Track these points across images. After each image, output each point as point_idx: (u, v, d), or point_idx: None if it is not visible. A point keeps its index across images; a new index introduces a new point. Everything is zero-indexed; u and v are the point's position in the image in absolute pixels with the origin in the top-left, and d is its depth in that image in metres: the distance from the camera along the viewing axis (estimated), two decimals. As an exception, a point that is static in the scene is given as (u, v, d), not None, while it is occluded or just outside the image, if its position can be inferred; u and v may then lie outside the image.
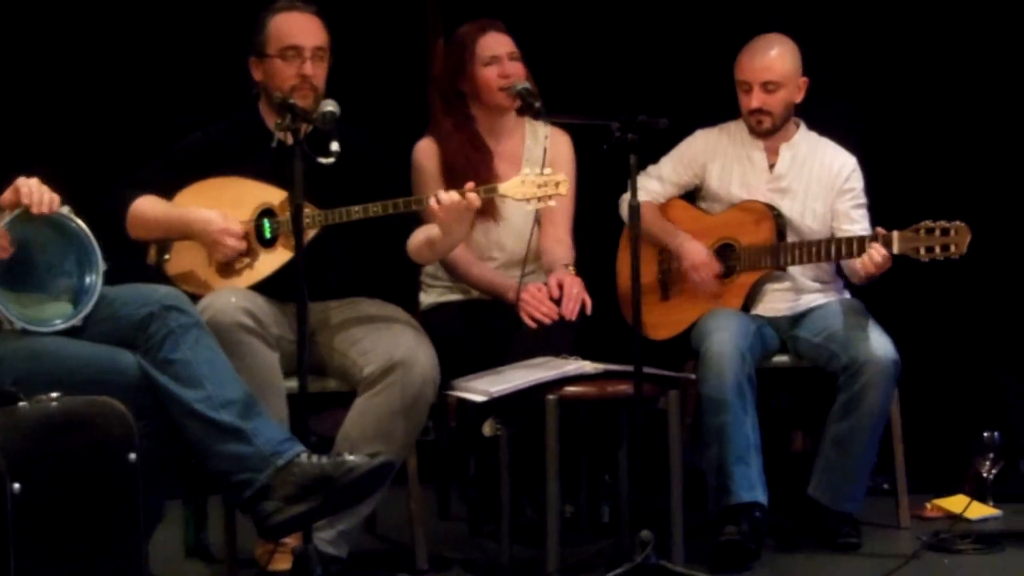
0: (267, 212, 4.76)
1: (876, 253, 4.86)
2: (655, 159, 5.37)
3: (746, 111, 5.22)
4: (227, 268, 4.76)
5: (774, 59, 5.16)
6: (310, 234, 4.57)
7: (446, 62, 5.32)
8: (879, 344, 4.95)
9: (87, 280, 4.27)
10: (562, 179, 4.61)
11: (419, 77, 6.36)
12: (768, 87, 5.15)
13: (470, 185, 4.61)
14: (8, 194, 4.17)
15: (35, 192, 4.15)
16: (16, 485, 3.42)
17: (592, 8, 6.27)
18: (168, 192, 4.82)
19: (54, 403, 3.72)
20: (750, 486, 4.88)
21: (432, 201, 4.58)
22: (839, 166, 5.24)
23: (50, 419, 3.67)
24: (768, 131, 5.22)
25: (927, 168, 6.05)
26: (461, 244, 5.09)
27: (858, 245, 4.93)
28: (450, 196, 4.57)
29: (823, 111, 5.33)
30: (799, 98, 5.22)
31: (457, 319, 5.17)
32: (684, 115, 5.18)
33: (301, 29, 4.80)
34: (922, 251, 4.83)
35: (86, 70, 5.99)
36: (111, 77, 6.02)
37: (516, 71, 5.15)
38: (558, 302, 4.93)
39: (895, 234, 4.86)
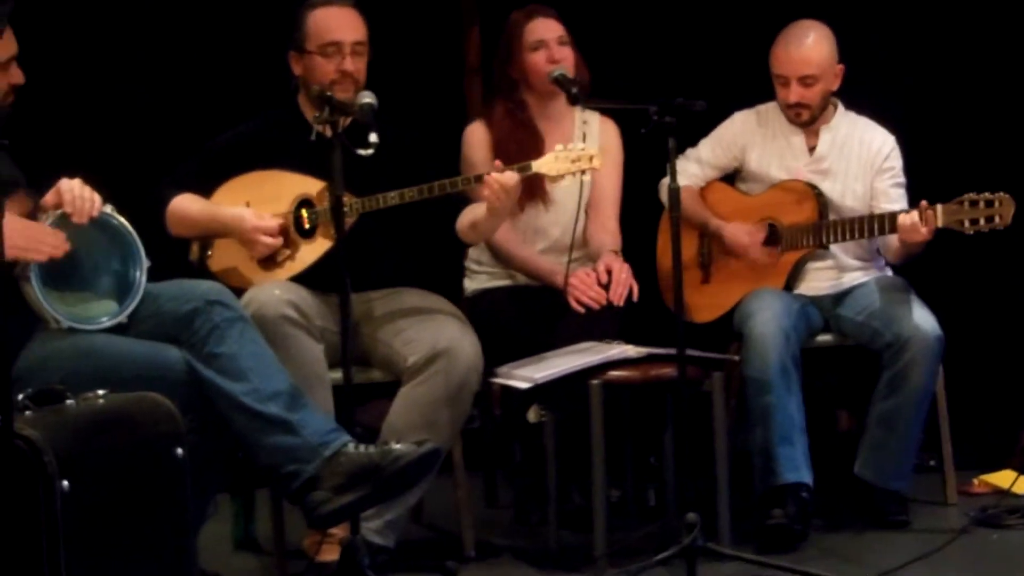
0: (305, 203, 4.78)
1: (906, 219, 4.84)
2: (694, 142, 5.36)
3: (784, 104, 5.20)
4: (268, 261, 4.78)
5: (810, 52, 5.12)
6: (349, 223, 4.57)
7: (498, 49, 5.32)
8: (923, 320, 4.94)
9: (131, 277, 4.29)
10: (595, 153, 4.61)
11: (455, 66, 6.37)
12: (806, 81, 5.12)
13: (498, 164, 4.62)
14: (51, 196, 4.19)
15: (77, 198, 4.16)
16: (65, 483, 3.43)
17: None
18: (207, 189, 4.84)
19: (101, 400, 3.74)
20: (795, 467, 4.88)
21: (488, 179, 4.57)
22: (879, 145, 5.22)
23: (97, 416, 3.69)
24: (807, 123, 5.20)
25: (966, 143, 6.01)
26: (508, 229, 5.12)
27: (893, 221, 4.92)
28: (507, 176, 4.56)
29: (861, 88, 5.30)
30: (836, 86, 5.20)
31: (502, 305, 5.17)
32: (721, 97, 5.16)
33: (340, 24, 4.81)
34: (967, 223, 4.81)
35: (128, 68, 6.01)
36: (151, 75, 6.03)
37: (564, 56, 5.15)
38: (606, 287, 4.94)
39: (939, 207, 4.83)
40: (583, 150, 4.61)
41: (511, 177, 4.59)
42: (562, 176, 4.62)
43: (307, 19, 4.84)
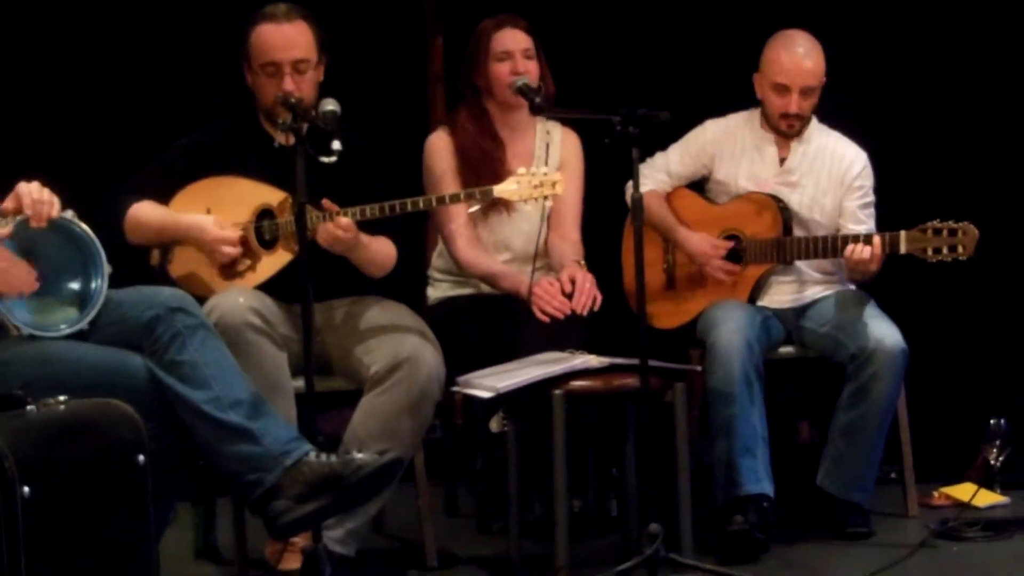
0: (266, 213, 4.76)
1: (859, 249, 4.87)
2: (663, 148, 5.36)
3: (778, 113, 5.18)
4: (229, 270, 4.76)
5: (815, 64, 5.13)
6: (311, 234, 4.54)
7: (465, 55, 5.31)
8: (887, 333, 4.95)
9: (93, 284, 4.26)
10: (558, 179, 4.61)
11: (418, 74, 6.36)
12: (806, 92, 5.13)
13: (326, 203, 4.55)
14: (9, 201, 4.16)
15: (35, 201, 4.13)
16: (26, 488, 3.41)
17: (593, 3, 6.27)
18: (165, 196, 4.82)
19: (62, 406, 3.72)
20: (757, 478, 4.89)
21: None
22: (850, 161, 5.23)
23: (59, 422, 3.67)
24: (798, 133, 5.21)
25: (936, 164, 6.04)
26: (471, 239, 5.12)
27: (864, 242, 4.93)
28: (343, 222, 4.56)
29: (835, 105, 5.31)
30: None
31: (465, 314, 5.17)
32: (688, 107, 5.17)
33: (278, 44, 4.74)
34: (929, 251, 4.84)
35: (85, 73, 5.99)
36: (109, 79, 6.01)
37: (528, 69, 5.14)
38: (570, 297, 4.93)
39: (902, 234, 4.87)
40: (546, 175, 4.60)
41: (345, 221, 4.55)
42: (524, 200, 4.62)
43: (251, 35, 4.78)
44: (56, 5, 5.88)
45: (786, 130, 5.21)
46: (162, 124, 5.45)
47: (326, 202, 4.53)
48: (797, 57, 5.13)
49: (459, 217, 5.19)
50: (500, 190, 4.62)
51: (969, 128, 6.07)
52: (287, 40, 4.75)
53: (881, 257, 4.91)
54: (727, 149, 5.31)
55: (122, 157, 5.24)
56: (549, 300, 4.94)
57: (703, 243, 5.23)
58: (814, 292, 5.24)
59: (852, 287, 5.27)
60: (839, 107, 5.34)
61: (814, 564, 4.81)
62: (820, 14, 5.78)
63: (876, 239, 4.90)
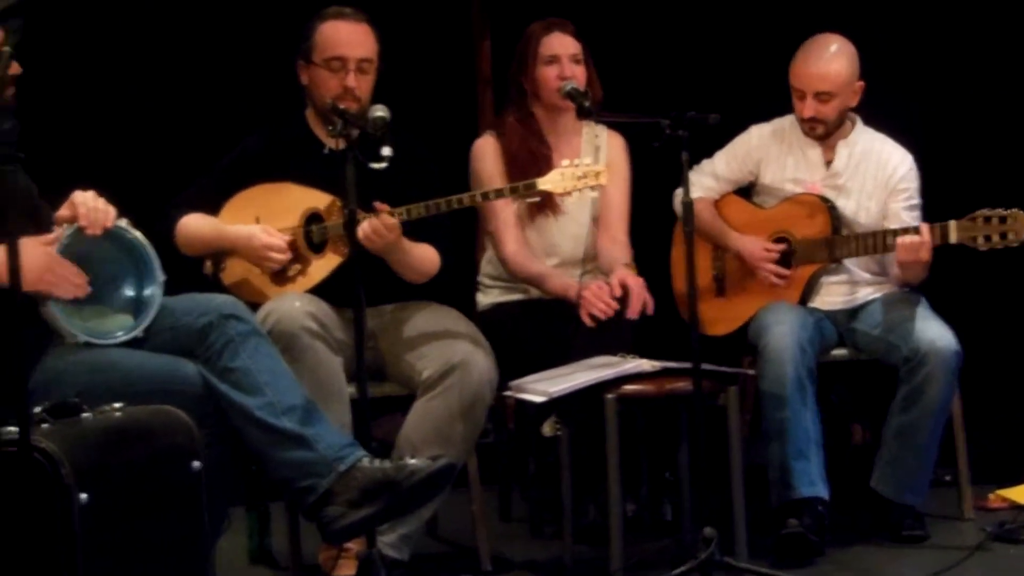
0: (314, 217, 4.77)
1: (910, 239, 4.84)
2: (707, 155, 5.36)
3: (799, 117, 5.19)
4: (280, 276, 4.78)
5: (829, 68, 5.10)
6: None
7: (513, 59, 5.31)
8: (940, 335, 4.92)
9: (147, 292, 4.28)
10: (601, 169, 4.60)
11: (467, 78, 6.37)
12: (822, 97, 5.11)
13: (380, 206, 4.55)
14: (65, 209, 4.19)
15: (91, 209, 4.15)
16: (83, 495, 3.44)
17: (641, 6, 6.26)
18: (214, 208, 4.85)
19: (118, 413, 3.75)
20: (811, 481, 4.86)
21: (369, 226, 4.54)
22: (895, 164, 5.20)
23: (115, 429, 3.70)
24: (821, 137, 5.20)
25: (983, 158, 6.01)
26: (519, 243, 5.13)
27: (915, 233, 4.90)
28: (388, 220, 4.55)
29: (880, 104, 5.29)
30: (854, 102, 5.18)
31: (515, 319, 5.17)
32: (737, 110, 5.16)
33: (348, 40, 4.80)
34: (980, 239, 4.81)
35: (141, 83, 6.00)
36: (165, 89, 6.03)
37: (575, 73, 5.14)
38: (619, 301, 4.92)
39: (952, 223, 4.84)
40: (589, 166, 4.60)
41: (391, 222, 4.55)
42: (568, 193, 4.61)
43: (316, 30, 4.83)
44: (107, 16, 5.89)
45: (808, 133, 5.20)
46: (213, 134, 5.47)
47: (379, 205, 4.54)
48: (810, 62, 5.12)
49: (507, 218, 5.19)
50: (544, 182, 4.61)
51: (1014, 122, 6.02)
52: (356, 37, 4.81)
53: (931, 247, 4.87)
54: (773, 153, 5.30)
55: (175, 167, 5.27)
56: (597, 304, 4.92)
57: (755, 246, 5.22)
58: (866, 293, 5.22)
59: (905, 289, 5.24)
60: (884, 102, 5.31)
61: (869, 567, 4.79)
62: (864, 13, 5.75)
63: (925, 227, 4.87)
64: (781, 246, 5.21)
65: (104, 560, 3.50)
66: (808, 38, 5.19)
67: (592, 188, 4.62)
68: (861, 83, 5.16)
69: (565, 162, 4.62)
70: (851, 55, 5.14)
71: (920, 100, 6.01)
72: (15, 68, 4.14)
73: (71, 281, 4.12)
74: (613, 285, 4.97)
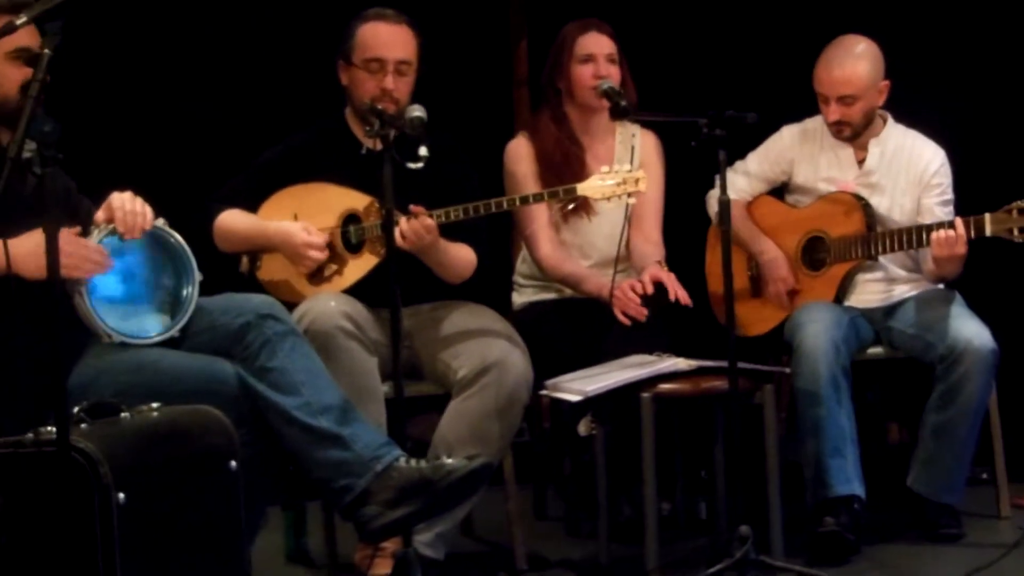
0: (352, 218, 4.79)
1: (945, 234, 4.83)
2: (744, 155, 5.35)
3: (826, 122, 5.18)
4: (316, 275, 4.79)
5: (851, 72, 5.08)
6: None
7: (548, 58, 5.32)
8: (976, 333, 4.91)
9: (184, 292, 4.30)
10: (641, 176, 4.61)
11: (503, 79, 6.38)
12: (846, 100, 5.09)
13: (416, 209, 4.57)
14: (102, 212, 4.20)
15: (128, 213, 4.16)
16: (121, 495, 3.45)
17: (677, 5, 6.26)
18: (253, 204, 4.86)
19: (155, 413, 3.77)
20: (847, 479, 4.86)
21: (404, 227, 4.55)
22: (928, 160, 5.19)
23: (152, 429, 3.72)
24: (849, 138, 5.19)
25: (1017, 152, 5.98)
26: (553, 243, 5.13)
27: (949, 227, 4.89)
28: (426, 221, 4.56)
29: (911, 99, 5.27)
30: (880, 102, 5.16)
31: (550, 318, 5.18)
32: (771, 109, 5.15)
33: (388, 41, 4.81)
34: (1015, 231, 4.79)
35: (178, 80, 6.04)
36: (202, 87, 6.06)
37: (611, 73, 5.15)
38: (651, 299, 4.93)
39: (987, 216, 4.82)
40: (629, 173, 4.61)
41: (429, 223, 4.57)
42: (607, 199, 4.62)
43: (357, 30, 4.84)
44: (146, 14, 5.91)
45: (836, 135, 5.19)
46: (253, 130, 5.49)
47: (415, 208, 4.55)
48: (832, 67, 5.10)
49: (541, 219, 5.21)
50: (584, 188, 4.63)
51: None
52: (395, 39, 4.82)
53: (967, 241, 4.85)
54: (805, 153, 5.29)
55: (213, 164, 5.29)
56: (629, 303, 4.93)
57: (780, 267, 5.22)
58: (902, 291, 5.20)
59: (940, 286, 5.23)
60: (915, 97, 5.30)
61: (905, 566, 4.78)
62: (895, 8, 5.74)
63: (959, 221, 4.86)
64: (796, 286, 5.21)
65: (142, 559, 3.51)
66: (832, 40, 5.18)
67: (630, 195, 4.62)
68: (886, 82, 5.14)
69: (604, 168, 4.64)
70: (873, 56, 5.12)
71: (951, 94, 5.98)
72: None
73: (91, 259, 4.11)
74: (644, 282, 4.98)
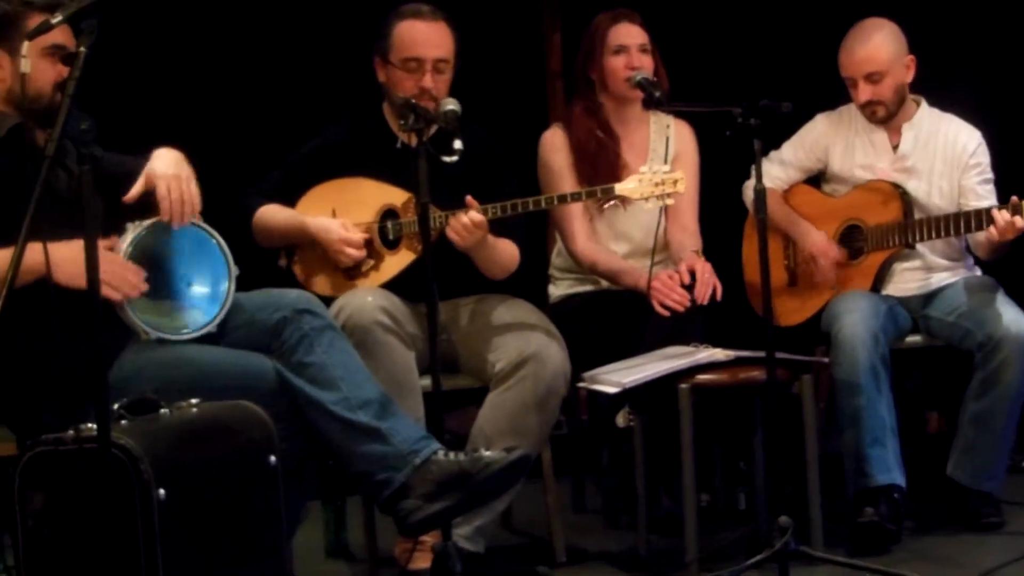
0: (390, 213, 4.80)
1: (1000, 217, 4.81)
2: (779, 144, 5.34)
3: (858, 105, 5.17)
4: (353, 270, 4.80)
5: (872, 48, 5.08)
6: (435, 233, 4.57)
7: (580, 49, 5.32)
8: (1015, 320, 4.89)
9: (221, 288, 4.29)
10: (679, 177, 4.61)
11: (536, 72, 6.38)
12: (872, 78, 5.09)
13: (470, 200, 4.57)
14: (138, 187, 4.16)
15: (175, 202, 4.15)
16: (161, 491, 3.47)
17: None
18: (291, 199, 4.87)
19: (195, 409, 3.78)
20: (887, 468, 4.85)
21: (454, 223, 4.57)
22: (964, 142, 5.18)
23: (192, 425, 3.73)
24: (884, 119, 5.17)
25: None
26: (588, 235, 5.15)
27: (987, 217, 4.88)
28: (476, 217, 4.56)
29: (945, 83, 5.26)
30: (909, 78, 5.16)
31: (587, 310, 5.18)
32: (805, 98, 5.14)
33: (425, 40, 4.79)
34: None
35: (215, 76, 6.05)
36: (239, 82, 6.08)
37: (644, 63, 5.14)
38: (689, 289, 4.92)
39: None
40: (668, 173, 4.61)
41: (480, 219, 4.57)
42: (646, 199, 4.62)
43: (394, 28, 4.83)
44: (185, 8, 5.93)
45: (870, 118, 5.18)
46: (290, 125, 5.50)
47: (469, 200, 4.56)
48: (854, 48, 5.11)
49: (576, 212, 5.20)
50: (621, 188, 4.63)
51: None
52: (433, 38, 4.80)
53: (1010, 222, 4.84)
54: (840, 140, 5.28)
55: (251, 159, 5.30)
56: (668, 293, 4.92)
57: (821, 241, 5.20)
58: (940, 279, 5.19)
59: (979, 272, 5.22)
60: (950, 81, 5.28)
61: (946, 555, 4.77)
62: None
63: (996, 212, 4.84)
64: (843, 252, 5.19)
65: (183, 555, 3.53)
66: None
67: (668, 196, 4.62)
68: (911, 57, 5.14)
69: (643, 168, 4.64)
70: (892, 31, 5.13)
71: (985, 78, 5.96)
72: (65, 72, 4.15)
73: (129, 281, 4.11)
74: (681, 272, 4.97)
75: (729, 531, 4.98)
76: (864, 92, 5.11)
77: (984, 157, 5.19)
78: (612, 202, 4.80)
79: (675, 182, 4.60)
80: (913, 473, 4.94)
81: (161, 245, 4.22)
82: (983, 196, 5.11)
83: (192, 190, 4.19)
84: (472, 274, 4.83)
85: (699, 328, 4.90)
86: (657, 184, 4.59)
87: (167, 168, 4.19)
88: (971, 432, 4.96)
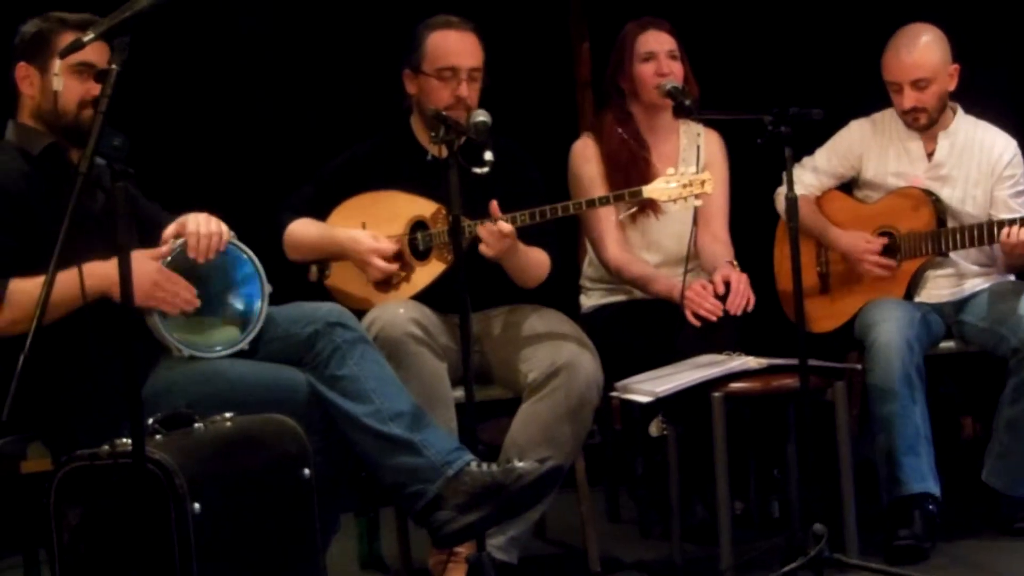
0: (420, 225, 4.80)
1: (1015, 231, 4.81)
2: (810, 151, 5.33)
3: (900, 110, 5.16)
4: (384, 283, 4.81)
5: (920, 55, 5.07)
6: (465, 244, 4.58)
7: (610, 59, 5.32)
8: (1049, 325, 4.88)
9: (253, 305, 4.30)
10: (707, 178, 4.60)
11: (565, 82, 6.38)
12: (919, 84, 5.07)
13: (494, 205, 4.57)
14: (173, 227, 4.21)
15: (201, 238, 4.18)
16: (196, 505, 3.48)
17: (740, 2, 6.25)
18: (322, 213, 4.88)
19: (228, 423, 3.80)
20: (921, 477, 4.83)
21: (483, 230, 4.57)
22: (1000, 151, 5.16)
23: (226, 439, 3.75)
24: (925, 127, 5.16)
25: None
26: (620, 245, 5.15)
27: (1021, 224, 4.86)
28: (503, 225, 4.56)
29: (981, 91, 5.24)
30: (952, 86, 5.14)
31: (619, 320, 5.17)
32: (837, 105, 5.13)
33: (459, 50, 4.80)
34: None
35: (245, 91, 6.07)
36: (270, 97, 6.10)
37: (673, 70, 5.14)
38: (723, 299, 4.92)
39: None
40: (695, 175, 4.60)
41: (507, 228, 4.57)
42: (673, 201, 4.62)
43: (426, 40, 4.83)
44: (215, 23, 5.95)
45: (912, 124, 5.16)
46: (320, 141, 5.52)
47: (493, 206, 4.56)
48: (901, 53, 5.09)
49: (608, 221, 5.20)
50: (649, 190, 4.62)
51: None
52: (466, 47, 4.82)
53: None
54: (874, 147, 5.27)
55: (281, 174, 5.32)
56: (701, 303, 4.92)
57: (857, 240, 5.19)
58: (972, 285, 5.17)
59: (1011, 278, 5.20)
60: (986, 89, 5.26)
61: (981, 561, 4.75)
62: (961, 5, 5.71)
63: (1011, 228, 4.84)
64: (883, 239, 5.18)
65: (218, 568, 3.54)
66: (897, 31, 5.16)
67: (696, 197, 4.61)
68: (956, 66, 5.12)
69: (671, 170, 4.63)
70: (940, 39, 5.11)
71: (1019, 83, 5.94)
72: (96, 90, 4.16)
73: (182, 296, 4.15)
74: (716, 283, 4.97)
75: (763, 539, 4.95)
76: (909, 98, 5.09)
77: (1019, 168, 5.18)
78: (626, 213, 4.80)
79: (703, 183, 4.59)
80: (948, 479, 4.92)
81: (195, 263, 4.23)
82: (1015, 210, 5.09)
83: (221, 229, 4.22)
84: (503, 285, 4.83)
85: (732, 336, 4.89)
86: (685, 185, 4.58)
87: (198, 216, 4.23)
88: (1006, 438, 4.94)
